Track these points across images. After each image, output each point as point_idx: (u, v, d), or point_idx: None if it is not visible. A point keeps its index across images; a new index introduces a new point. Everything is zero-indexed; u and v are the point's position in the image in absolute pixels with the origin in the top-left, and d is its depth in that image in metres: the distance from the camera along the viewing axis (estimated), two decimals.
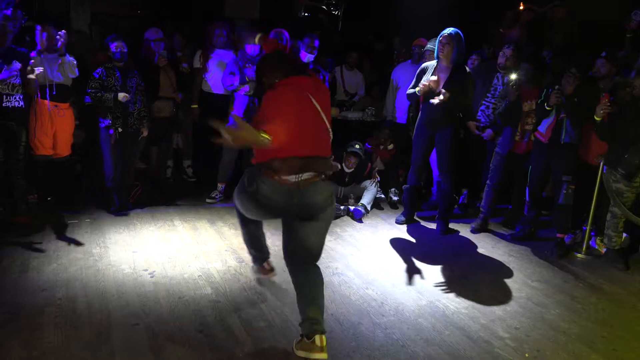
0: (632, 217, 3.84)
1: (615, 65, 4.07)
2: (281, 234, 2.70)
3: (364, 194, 4.94)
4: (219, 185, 5.00)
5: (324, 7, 10.09)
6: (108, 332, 2.71)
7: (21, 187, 4.09)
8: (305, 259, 2.66)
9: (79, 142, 4.79)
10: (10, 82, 3.88)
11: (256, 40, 4.27)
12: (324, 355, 2.49)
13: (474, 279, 3.64)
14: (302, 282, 2.64)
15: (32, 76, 3.95)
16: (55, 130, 4.25)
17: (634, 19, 4.56)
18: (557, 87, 3.98)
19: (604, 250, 4.14)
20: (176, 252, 3.77)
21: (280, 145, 2.35)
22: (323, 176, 2.57)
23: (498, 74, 4.70)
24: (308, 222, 2.59)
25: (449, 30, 4.17)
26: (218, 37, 5.15)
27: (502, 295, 3.39)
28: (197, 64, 5.23)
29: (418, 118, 4.47)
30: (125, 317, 2.85)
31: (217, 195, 4.97)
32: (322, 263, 3.65)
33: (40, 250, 3.63)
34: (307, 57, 4.85)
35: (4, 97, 3.85)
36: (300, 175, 2.49)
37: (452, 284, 3.53)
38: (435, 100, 4.04)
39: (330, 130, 2.62)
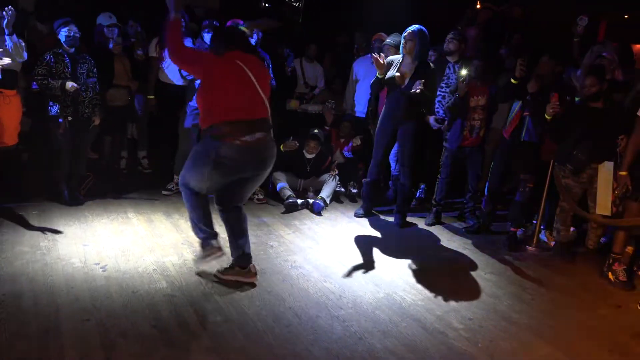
0: (579, 212, 4.00)
1: (559, 64, 4.20)
2: None
3: (324, 187, 4.95)
4: (175, 177, 4.90)
5: None
6: (57, 328, 2.61)
7: None
8: (240, 203, 3.21)
9: (26, 130, 4.57)
10: None
11: None
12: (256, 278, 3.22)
13: (430, 271, 3.71)
14: (235, 220, 3.18)
15: None
16: (1, 118, 4.03)
17: (580, 24, 4.74)
18: (520, 60, 4.05)
19: (552, 243, 4.30)
20: (130, 246, 3.68)
21: (226, 110, 2.86)
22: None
23: (449, 63, 4.79)
24: (258, 175, 3.11)
25: (413, 27, 4.23)
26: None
27: (456, 287, 3.47)
28: (152, 52, 5.06)
29: (382, 112, 4.51)
30: (75, 313, 2.76)
31: (172, 187, 4.87)
32: (280, 256, 3.70)
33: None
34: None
35: None
36: (253, 135, 2.93)
37: (408, 276, 3.59)
38: (417, 91, 4.07)
39: (268, 105, 3.05)
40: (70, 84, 4.10)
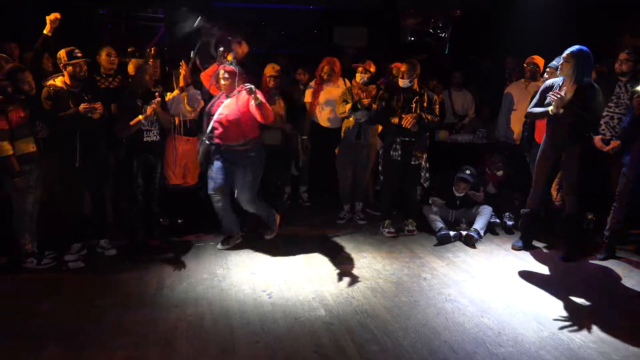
0: None
1: None
2: None
3: (477, 218, 4.80)
4: (345, 206, 5.28)
5: (431, 30, 10.08)
6: (232, 347, 2.92)
7: (156, 213, 4.56)
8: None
9: (203, 171, 5.19)
10: (150, 119, 4.32)
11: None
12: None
13: (601, 310, 3.36)
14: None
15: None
16: (186, 162, 4.69)
17: None
18: None
19: None
20: (291, 275, 3.94)
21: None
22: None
23: (619, 82, 4.37)
24: None
25: (572, 48, 3.98)
26: (325, 70, 5.31)
27: (635, 330, 3.09)
28: (307, 97, 5.43)
29: (543, 139, 4.26)
30: (247, 335, 3.05)
31: (344, 214, 5.25)
32: (434, 289, 3.67)
33: (173, 270, 3.99)
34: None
35: (145, 132, 4.31)
36: None
37: (576, 315, 3.30)
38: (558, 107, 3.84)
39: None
40: None
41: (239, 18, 9.13)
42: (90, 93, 4.04)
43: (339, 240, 4.72)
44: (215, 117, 4.20)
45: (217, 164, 4.32)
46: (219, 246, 4.47)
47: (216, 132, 4.23)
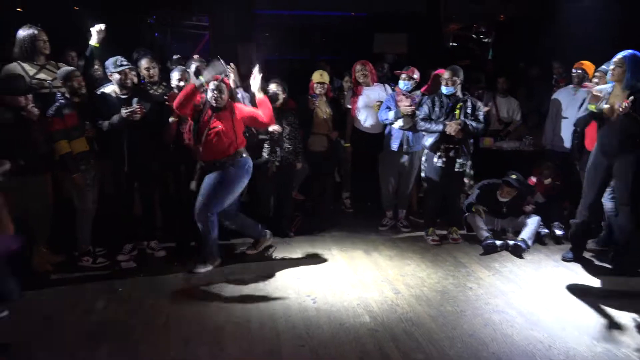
0: None
1: None
2: None
3: (524, 227, 4.67)
4: (387, 212, 5.24)
5: (474, 35, 9.94)
6: (278, 351, 2.95)
7: None
8: None
9: None
10: None
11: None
12: None
13: None
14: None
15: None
16: None
17: None
18: None
19: None
20: (335, 280, 3.94)
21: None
22: None
23: None
24: None
25: (624, 52, 3.85)
26: (362, 74, 5.29)
27: None
28: (348, 103, 5.43)
29: (594, 147, 4.13)
30: (292, 339, 3.07)
31: (387, 221, 5.22)
32: (480, 299, 3.60)
33: (219, 273, 4.07)
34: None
35: None
36: None
37: (632, 330, 3.16)
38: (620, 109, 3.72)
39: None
40: (272, 127, 4.56)
41: (281, 25, 9.29)
42: (141, 99, 4.16)
43: (382, 247, 4.70)
44: (205, 133, 3.95)
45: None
46: (248, 250, 4.44)
47: (205, 149, 3.99)
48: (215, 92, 3.94)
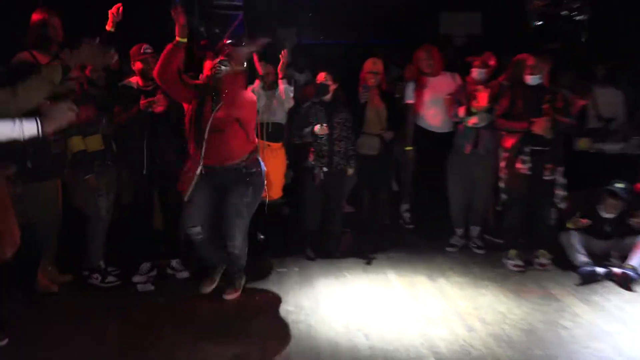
0: None
1: None
2: None
3: (633, 251, 4.48)
4: (457, 230, 5.19)
5: (565, 12, 9.64)
6: None
7: None
8: None
9: (288, 183, 5.30)
10: None
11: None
12: None
13: None
14: None
15: None
16: (268, 172, 4.77)
17: None
18: None
19: None
20: (392, 312, 3.88)
21: None
22: None
23: None
24: None
25: None
26: (428, 62, 5.22)
27: None
28: (409, 97, 5.36)
29: None
30: None
31: (457, 241, 5.15)
32: (577, 341, 3.44)
33: (253, 299, 4.08)
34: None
35: None
36: None
37: None
38: None
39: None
40: (318, 127, 4.60)
41: (327, 3, 9.31)
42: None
43: (451, 272, 4.62)
44: (207, 129, 3.78)
45: (202, 193, 3.92)
46: (203, 289, 4.12)
47: (208, 150, 3.81)
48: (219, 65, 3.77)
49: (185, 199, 3.90)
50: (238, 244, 3.93)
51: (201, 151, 3.80)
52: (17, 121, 2.55)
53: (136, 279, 4.29)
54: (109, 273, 4.30)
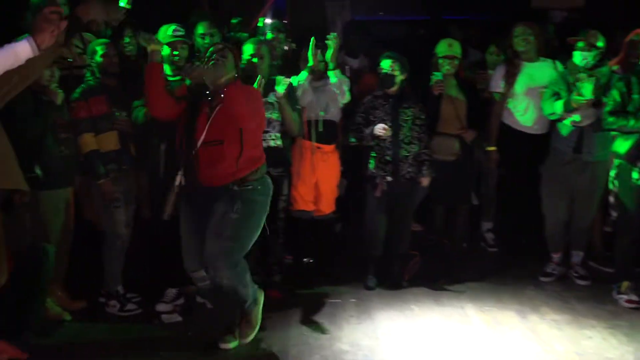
0: None
1: None
2: None
3: None
4: (554, 255, 5.08)
5: None
6: None
7: (277, 251, 4.64)
8: None
9: (341, 194, 5.25)
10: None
11: None
12: None
13: None
14: None
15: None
16: (318, 181, 4.75)
17: None
18: None
19: None
20: (471, 355, 3.82)
21: None
22: None
23: None
24: None
25: None
26: (525, 42, 5.09)
27: None
28: (496, 87, 5.25)
29: None
30: None
31: (553, 269, 5.06)
32: None
33: (300, 335, 4.04)
34: None
35: None
36: None
37: None
38: None
39: None
40: (379, 127, 4.54)
41: None
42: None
43: (546, 308, 4.51)
44: (201, 140, 3.62)
45: (191, 224, 3.76)
46: (223, 344, 3.81)
47: (202, 165, 3.65)
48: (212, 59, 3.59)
49: (164, 217, 3.74)
50: (226, 273, 3.59)
51: (189, 165, 3.65)
52: (8, 47, 2.58)
53: (160, 307, 4.30)
54: (128, 300, 4.34)
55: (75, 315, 4.21)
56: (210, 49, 3.71)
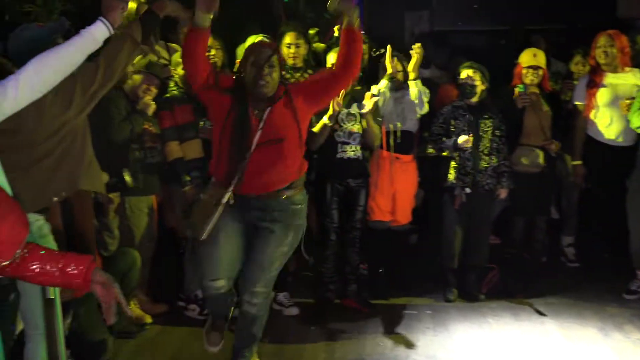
0: None
1: None
2: None
3: None
4: (639, 272, 4.96)
5: None
6: None
7: (354, 261, 4.66)
8: None
9: (417, 205, 5.24)
10: (345, 128, 4.45)
11: None
12: None
13: None
14: None
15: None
16: (396, 191, 4.76)
17: None
18: None
19: None
20: None
21: None
22: None
23: None
24: None
25: None
26: (607, 53, 4.97)
27: None
28: (579, 99, 5.16)
29: None
30: None
31: (638, 286, 4.94)
32: None
33: (375, 347, 4.05)
34: None
35: (339, 145, 4.46)
36: None
37: None
38: None
39: None
40: (463, 138, 4.54)
41: None
42: None
43: (630, 327, 4.37)
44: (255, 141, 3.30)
45: (229, 233, 3.40)
46: (210, 348, 3.63)
47: (250, 175, 3.31)
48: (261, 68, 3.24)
49: (202, 237, 3.30)
50: (260, 301, 3.42)
51: (236, 173, 3.29)
52: (84, 32, 2.61)
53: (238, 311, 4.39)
54: None
55: (156, 319, 4.33)
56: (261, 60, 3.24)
